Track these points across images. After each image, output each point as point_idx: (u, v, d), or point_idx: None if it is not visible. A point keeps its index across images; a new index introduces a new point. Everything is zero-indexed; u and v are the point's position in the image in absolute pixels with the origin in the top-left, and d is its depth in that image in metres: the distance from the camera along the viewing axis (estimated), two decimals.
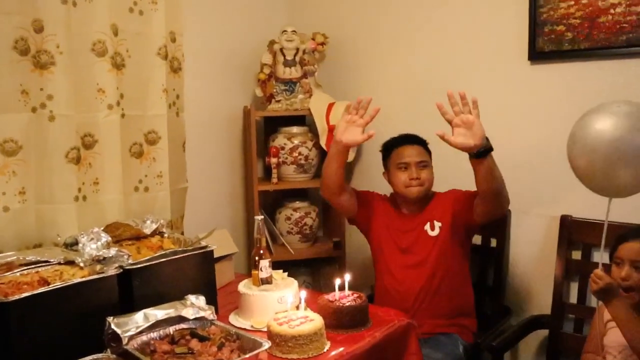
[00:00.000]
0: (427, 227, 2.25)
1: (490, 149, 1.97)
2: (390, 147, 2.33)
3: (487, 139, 1.96)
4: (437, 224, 2.24)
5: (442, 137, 1.94)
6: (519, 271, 2.51)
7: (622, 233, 1.82)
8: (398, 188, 2.26)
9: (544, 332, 2.37)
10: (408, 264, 2.25)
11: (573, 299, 2.32)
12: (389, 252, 2.30)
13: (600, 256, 1.74)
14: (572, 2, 2.23)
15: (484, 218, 2.16)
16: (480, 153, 1.94)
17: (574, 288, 2.33)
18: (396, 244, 2.29)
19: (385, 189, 2.42)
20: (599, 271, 1.66)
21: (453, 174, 2.43)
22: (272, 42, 2.82)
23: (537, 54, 2.35)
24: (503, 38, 2.45)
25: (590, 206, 2.22)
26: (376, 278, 2.37)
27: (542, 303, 2.39)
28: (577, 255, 2.32)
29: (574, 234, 2.30)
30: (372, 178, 2.62)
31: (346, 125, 2.12)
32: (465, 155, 2.00)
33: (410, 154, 2.26)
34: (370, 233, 2.37)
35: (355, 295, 1.85)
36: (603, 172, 1.63)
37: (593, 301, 2.25)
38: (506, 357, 2.32)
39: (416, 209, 2.31)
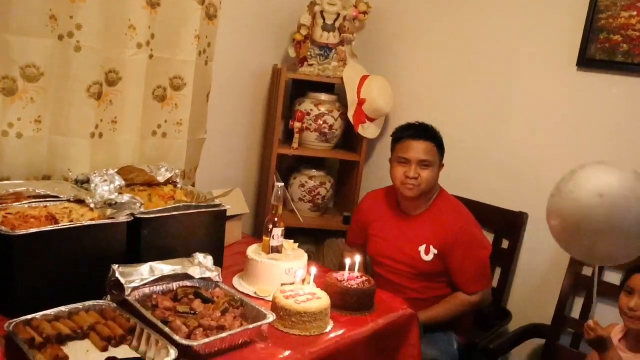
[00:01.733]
0: (423, 249, 2.13)
1: None
2: (398, 137, 2.18)
3: None
4: (433, 251, 2.12)
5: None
6: (526, 277, 2.47)
7: (637, 263, 1.78)
8: (395, 182, 2.16)
9: (540, 342, 2.34)
10: (399, 270, 2.19)
11: (576, 314, 2.29)
12: (384, 245, 2.23)
13: (595, 277, 1.68)
14: (635, 13, 2.13)
15: None
16: None
17: (579, 303, 2.29)
18: (388, 237, 2.22)
19: None
20: (592, 323, 1.65)
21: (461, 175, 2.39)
22: (313, 3, 2.71)
23: (586, 61, 2.26)
24: (554, 39, 2.35)
25: None
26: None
27: (543, 312, 2.35)
28: (588, 271, 2.27)
29: None
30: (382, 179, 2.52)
31: None
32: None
33: (414, 149, 2.10)
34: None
35: (364, 278, 1.81)
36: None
37: None
38: None
39: (413, 207, 2.20)
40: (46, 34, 1.83)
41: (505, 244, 2.48)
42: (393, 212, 2.25)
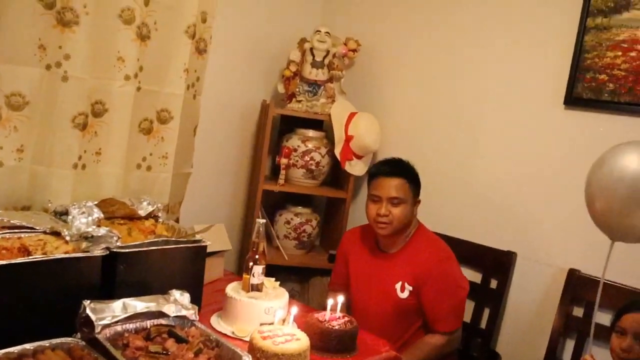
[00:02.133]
0: (398, 286, 2.10)
1: None
2: (372, 173, 2.17)
3: None
4: (408, 288, 2.08)
5: None
6: (515, 318, 2.41)
7: (627, 302, 1.74)
8: (369, 220, 2.13)
9: None
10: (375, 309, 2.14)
11: (567, 356, 2.23)
12: (362, 283, 2.19)
13: (593, 319, 1.63)
14: (620, 53, 2.15)
15: None
16: None
17: (570, 345, 2.23)
18: (366, 275, 2.19)
19: None
20: (588, 357, 1.63)
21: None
22: (303, 40, 2.73)
23: (573, 99, 2.26)
24: (541, 77, 2.37)
25: (600, 264, 2.15)
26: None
27: (534, 355, 2.29)
28: (578, 312, 2.23)
29: (579, 289, 2.21)
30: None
31: None
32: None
33: (385, 186, 2.07)
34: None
35: (346, 318, 1.76)
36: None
37: None
38: None
39: (390, 244, 2.17)
40: (34, 62, 1.83)
41: (493, 283, 2.44)
42: (371, 249, 2.22)
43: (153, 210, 2.00)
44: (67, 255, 1.50)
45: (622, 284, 2.08)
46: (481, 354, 2.39)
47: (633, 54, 2.12)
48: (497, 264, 2.41)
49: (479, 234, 2.48)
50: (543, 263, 2.34)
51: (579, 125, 2.27)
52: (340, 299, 1.78)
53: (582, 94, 2.24)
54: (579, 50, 2.23)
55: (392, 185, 2.07)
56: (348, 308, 2.28)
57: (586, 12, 2.21)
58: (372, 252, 2.21)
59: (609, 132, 2.19)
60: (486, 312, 2.43)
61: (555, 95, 2.31)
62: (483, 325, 2.42)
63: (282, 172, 2.67)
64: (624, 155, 1.62)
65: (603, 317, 2.13)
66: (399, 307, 2.10)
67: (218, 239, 2.11)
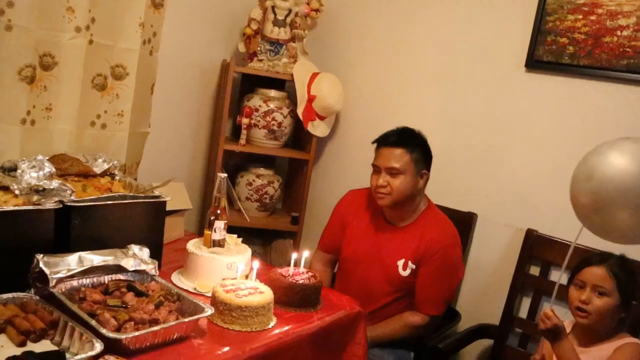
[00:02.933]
0: (401, 263, 2.04)
1: None
2: (375, 144, 2.08)
3: None
4: (411, 266, 2.03)
5: None
6: (474, 277, 2.45)
7: (587, 257, 1.78)
8: (372, 191, 2.06)
9: (488, 342, 2.33)
10: (370, 278, 2.10)
11: (523, 313, 2.28)
12: (361, 250, 2.13)
13: (558, 279, 1.67)
14: (580, 16, 2.16)
15: None
16: None
17: (526, 303, 2.29)
18: (367, 242, 2.12)
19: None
20: (548, 311, 1.62)
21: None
22: None
23: (534, 62, 2.28)
24: (503, 40, 2.37)
25: (557, 225, 2.20)
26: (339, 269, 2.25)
27: (492, 313, 2.34)
28: (535, 271, 2.28)
29: (536, 249, 2.26)
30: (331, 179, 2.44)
31: None
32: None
33: (384, 156, 2.00)
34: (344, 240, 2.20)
35: (310, 274, 1.74)
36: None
37: None
38: None
39: (397, 217, 2.09)
40: None
41: None
42: (376, 218, 2.14)
43: (109, 168, 1.93)
44: (16, 208, 1.42)
45: (583, 245, 2.11)
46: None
47: (593, 17, 2.14)
48: (458, 225, 2.41)
49: (441, 195, 2.48)
50: (502, 224, 2.38)
51: (539, 87, 2.30)
52: (305, 253, 1.76)
53: (542, 56, 2.26)
54: (541, 13, 2.24)
55: (391, 156, 1.99)
56: (333, 271, 2.27)
57: None
58: (376, 221, 2.14)
59: (569, 95, 2.23)
60: None
61: (517, 58, 2.32)
62: None
63: (244, 132, 2.61)
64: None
65: (556, 276, 2.20)
66: (396, 284, 2.06)
67: (178, 197, 2.05)
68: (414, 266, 2.03)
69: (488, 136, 2.42)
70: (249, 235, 2.74)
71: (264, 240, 2.90)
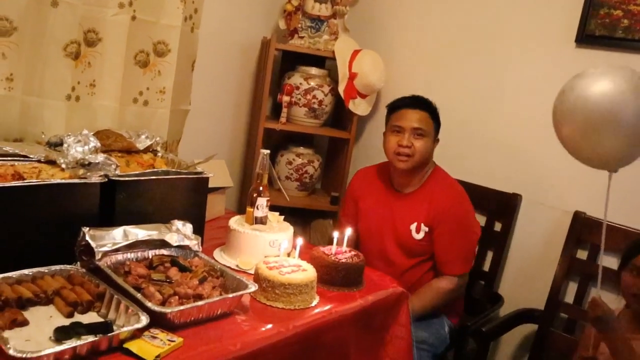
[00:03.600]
0: (414, 227, 2.05)
1: None
2: (393, 107, 2.10)
3: None
4: (424, 229, 2.04)
5: None
6: (518, 260, 2.39)
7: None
8: (388, 154, 2.06)
9: (532, 327, 2.27)
10: (387, 247, 2.11)
11: (569, 298, 2.22)
12: (375, 222, 2.14)
13: (600, 262, 1.59)
14: None
15: None
16: None
17: (572, 288, 2.22)
18: (379, 214, 2.13)
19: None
20: (597, 297, 1.53)
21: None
22: None
23: (585, 37, 2.17)
24: (552, 13, 2.27)
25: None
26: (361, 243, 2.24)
27: (536, 297, 2.27)
28: (582, 255, 2.20)
29: (584, 232, 2.18)
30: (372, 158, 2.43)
31: None
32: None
33: (408, 117, 2.02)
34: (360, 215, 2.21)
35: (353, 253, 1.72)
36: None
37: None
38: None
39: (406, 184, 2.10)
40: None
41: (497, 226, 2.40)
42: (385, 189, 2.16)
43: (151, 144, 1.93)
44: (63, 181, 1.43)
45: (627, 226, 2.05)
46: (483, 296, 2.37)
47: None
48: (502, 207, 2.37)
49: (484, 176, 2.43)
50: (548, 205, 2.30)
51: (590, 64, 2.15)
52: (348, 232, 1.74)
53: (594, 30, 2.15)
54: None
55: (416, 117, 2.02)
56: (356, 248, 2.25)
57: None
58: (386, 191, 2.15)
59: None
60: (489, 255, 2.40)
61: (566, 33, 2.22)
62: (486, 268, 2.40)
63: (284, 110, 2.58)
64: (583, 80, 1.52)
65: (607, 260, 2.11)
66: (412, 248, 2.07)
67: (220, 175, 2.05)
68: (427, 229, 2.04)
69: (534, 115, 2.33)
70: (288, 214, 2.72)
71: (303, 220, 2.88)
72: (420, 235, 2.05)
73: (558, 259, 2.21)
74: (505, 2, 2.40)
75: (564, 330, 2.20)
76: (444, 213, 2.02)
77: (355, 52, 2.59)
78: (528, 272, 2.36)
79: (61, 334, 1.07)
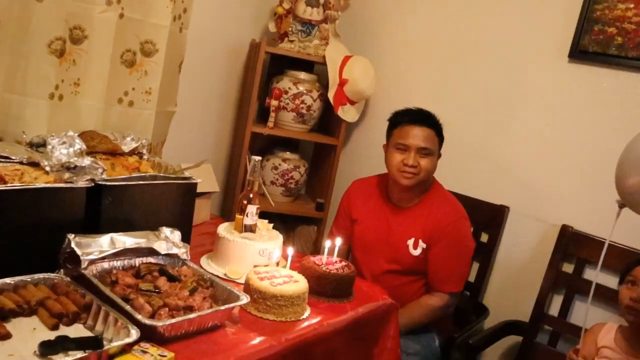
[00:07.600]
0: (411, 243, 2.02)
1: None
2: (397, 121, 2.03)
3: None
4: (422, 245, 2.01)
5: None
6: (504, 272, 2.39)
7: (638, 257, 1.72)
8: (391, 170, 2.02)
9: (517, 339, 2.27)
10: (381, 263, 2.07)
11: (554, 311, 2.22)
12: (370, 235, 2.10)
13: (595, 277, 1.59)
14: (632, 5, 2.06)
15: None
16: None
17: (558, 301, 2.22)
18: (375, 227, 2.10)
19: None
20: (572, 354, 1.62)
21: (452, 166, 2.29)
22: None
23: (579, 53, 2.18)
24: (545, 29, 2.28)
25: (594, 222, 2.12)
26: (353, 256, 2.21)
27: (521, 309, 2.28)
28: (568, 268, 2.21)
29: (571, 246, 2.19)
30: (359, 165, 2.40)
31: None
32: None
33: (415, 136, 1.96)
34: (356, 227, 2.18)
35: (344, 263, 1.69)
36: None
37: (574, 318, 2.17)
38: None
39: (405, 199, 2.07)
40: None
41: (484, 237, 2.40)
42: (382, 202, 2.11)
43: (137, 147, 1.87)
44: (48, 185, 1.37)
45: (619, 244, 2.04)
46: (469, 307, 2.36)
47: None
48: (489, 218, 2.37)
49: (472, 187, 2.43)
50: (536, 218, 2.31)
51: (582, 79, 2.20)
52: (338, 242, 1.71)
53: (588, 46, 2.16)
54: (589, 0, 2.14)
55: (422, 135, 1.96)
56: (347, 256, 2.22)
57: None
58: (383, 205, 2.11)
59: (613, 87, 2.13)
60: (475, 266, 2.40)
61: (560, 48, 2.22)
62: (472, 278, 2.39)
63: (272, 114, 2.54)
64: None
65: (591, 274, 2.13)
66: (408, 264, 2.03)
67: (206, 179, 1.99)
68: (424, 245, 2.01)
69: (524, 128, 2.34)
70: (273, 220, 2.68)
71: (287, 226, 2.85)
72: (418, 252, 2.01)
73: (544, 272, 2.21)
74: (499, 12, 2.40)
75: (548, 342, 2.20)
76: (444, 230, 1.98)
77: (347, 58, 2.56)
78: (514, 284, 2.36)
79: (47, 348, 1.02)
